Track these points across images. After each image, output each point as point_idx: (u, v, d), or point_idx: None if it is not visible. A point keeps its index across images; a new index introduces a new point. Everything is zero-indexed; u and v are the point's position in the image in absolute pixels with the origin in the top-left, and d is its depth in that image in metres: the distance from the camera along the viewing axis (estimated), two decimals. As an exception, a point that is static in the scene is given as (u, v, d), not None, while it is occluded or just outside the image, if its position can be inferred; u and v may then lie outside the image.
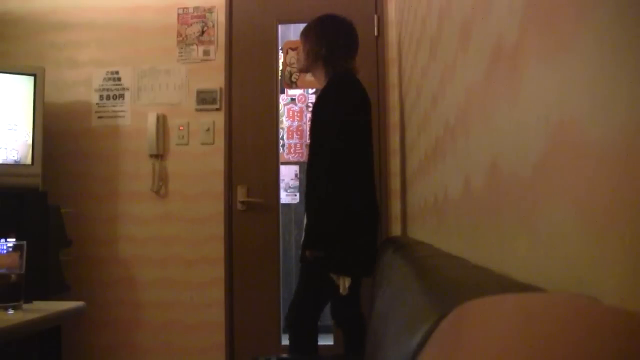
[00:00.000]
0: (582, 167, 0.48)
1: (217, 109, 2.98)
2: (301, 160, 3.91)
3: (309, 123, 2.17)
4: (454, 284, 0.68)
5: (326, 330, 2.64)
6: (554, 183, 0.56)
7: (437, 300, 0.59)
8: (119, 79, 3.04)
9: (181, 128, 2.98)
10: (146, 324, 2.93)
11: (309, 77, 2.32)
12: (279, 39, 3.05)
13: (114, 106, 3.03)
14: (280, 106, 3.80)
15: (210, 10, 3.03)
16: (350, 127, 2.00)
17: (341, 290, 1.93)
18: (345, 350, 2.20)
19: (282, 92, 3.96)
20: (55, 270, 2.65)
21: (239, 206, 2.92)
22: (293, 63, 2.92)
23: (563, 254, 0.54)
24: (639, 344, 0.28)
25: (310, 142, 2.12)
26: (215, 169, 2.95)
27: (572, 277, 0.51)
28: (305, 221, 2.09)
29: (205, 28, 3.02)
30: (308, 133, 2.22)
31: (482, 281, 0.69)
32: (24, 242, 1.61)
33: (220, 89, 2.97)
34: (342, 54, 2.11)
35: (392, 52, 2.92)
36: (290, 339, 2.05)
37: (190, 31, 3.03)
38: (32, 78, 2.65)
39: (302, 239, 2.07)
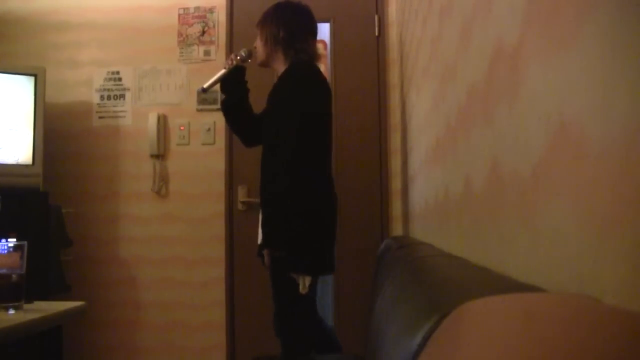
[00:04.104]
0: (582, 167, 0.48)
1: (218, 109, 2.97)
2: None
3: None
4: (454, 284, 0.68)
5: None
6: (555, 183, 0.56)
7: (437, 300, 0.59)
8: (120, 79, 3.05)
9: (182, 128, 2.98)
10: (147, 324, 2.93)
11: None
12: (280, 39, 3.05)
13: (114, 106, 3.04)
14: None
15: (211, 10, 3.03)
16: (312, 120, 1.91)
17: (300, 289, 1.85)
18: (317, 351, 2.12)
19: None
20: (56, 270, 2.65)
21: (240, 206, 2.92)
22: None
23: (563, 253, 0.54)
24: (639, 344, 0.28)
25: (265, 133, 2.04)
26: (216, 169, 2.95)
27: (573, 277, 0.51)
28: (260, 218, 1.97)
29: (206, 28, 3.02)
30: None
31: (483, 281, 0.69)
32: (25, 242, 1.61)
33: (221, 89, 2.97)
34: (302, 36, 2.04)
35: (393, 52, 2.92)
36: (282, 347, 1.97)
37: (191, 31, 3.03)
38: (32, 78, 2.65)
39: (260, 239, 1.96)
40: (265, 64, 2.12)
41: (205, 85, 2.14)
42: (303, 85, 1.95)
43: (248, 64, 2.16)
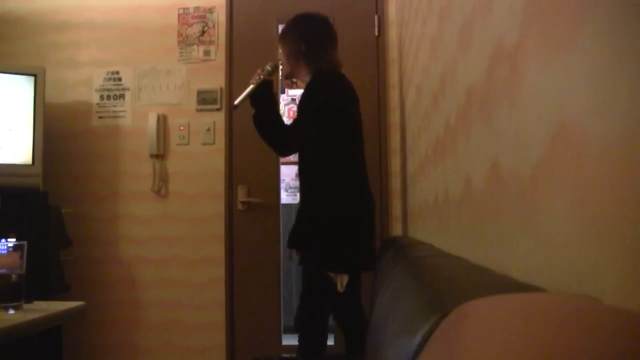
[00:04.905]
0: (582, 167, 0.48)
1: (218, 109, 2.98)
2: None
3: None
4: (454, 284, 0.68)
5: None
6: (555, 183, 0.56)
7: (437, 300, 0.59)
8: (120, 79, 3.05)
9: (182, 128, 2.99)
10: (147, 324, 2.93)
11: (300, 83, 2.22)
12: (280, 39, 3.05)
13: (114, 106, 3.04)
14: (281, 106, 3.80)
15: (210, 10, 3.03)
16: (327, 114, 1.95)
17: (338, 288, 1.89)
18: (346, 350, 2.19)
19: (283, 92, 3.96)
20: (55, 270, 2.65)
21: (240, 206, 2.92)
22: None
23: (563, 253, 0.54)
24: (639, 344, 0.28)
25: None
26: (215, 169, 2.95)
27: (573, 277, 0.51)
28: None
29: (205, 28, 3.02)
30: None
31: (483, 281, 0.69)
32: (25, 242, 1.61)
33: (221, 88, 2.97)
34: (322, 47, 2.09)
35: (392, 52, 2.92)
36: (299, 342, 2.02)
37: (190, 31, 3.03)
38: (32, 78, 2.65)
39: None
40: (291, 77, 2.20)
41: (235, 102, 2.20)
42: (320, 86, 2.00)
43: (275, 77, 2.22)
